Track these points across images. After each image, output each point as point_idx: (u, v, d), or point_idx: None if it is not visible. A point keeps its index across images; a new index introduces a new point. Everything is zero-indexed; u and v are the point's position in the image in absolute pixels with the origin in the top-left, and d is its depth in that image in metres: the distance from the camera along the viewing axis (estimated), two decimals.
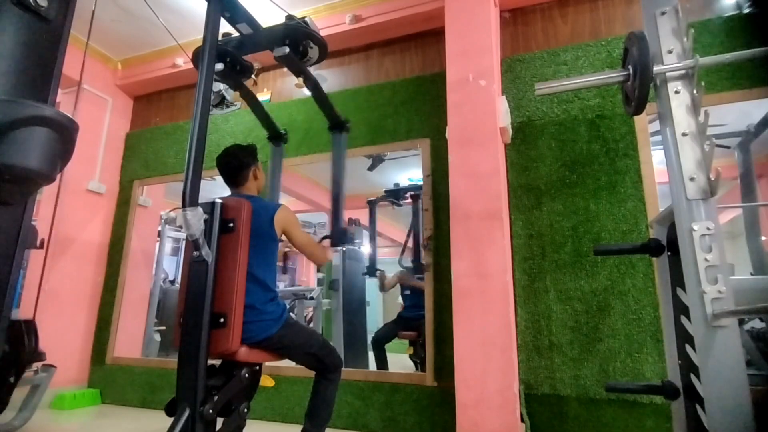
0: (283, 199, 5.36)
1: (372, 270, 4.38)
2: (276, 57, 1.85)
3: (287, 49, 1.81)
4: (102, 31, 3.46)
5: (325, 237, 2.16)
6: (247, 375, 1.63)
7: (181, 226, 1.43)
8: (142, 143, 3.92)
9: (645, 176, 2.37)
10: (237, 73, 2.05)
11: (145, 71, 3.83)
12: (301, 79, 2.06)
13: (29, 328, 1.56)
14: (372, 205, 4.74)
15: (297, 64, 1.93)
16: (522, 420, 2.15)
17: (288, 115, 3.35)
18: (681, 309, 1.16)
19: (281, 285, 6.76)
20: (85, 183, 3.63)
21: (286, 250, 7.05)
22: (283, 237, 1.86)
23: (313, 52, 1.94)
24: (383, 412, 2.59)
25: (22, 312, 3.09)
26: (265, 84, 3.59)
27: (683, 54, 1.11)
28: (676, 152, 1.06)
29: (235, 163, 1.88)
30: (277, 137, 2.42)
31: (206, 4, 1.63)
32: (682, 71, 1.10)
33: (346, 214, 5.34)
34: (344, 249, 4.32)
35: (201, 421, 1.40)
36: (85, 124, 2.91)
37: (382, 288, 4.20)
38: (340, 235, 2.14)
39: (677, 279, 1.15)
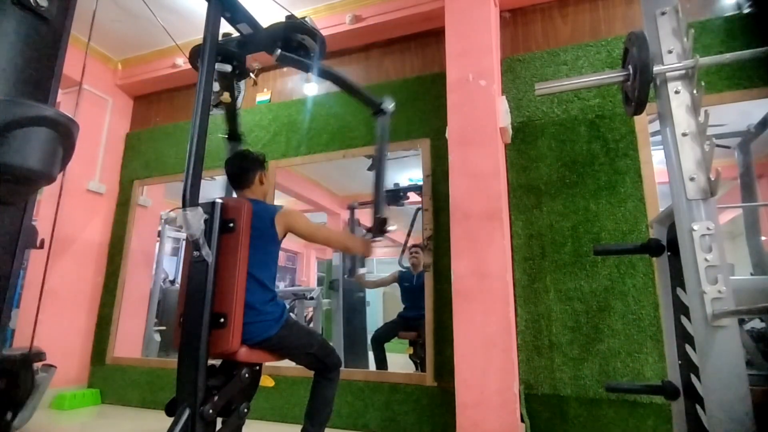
0: (283, 199, 5.37)
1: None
2: (276, 60, 1.84)
3: (279, 51, 1.80)
4: (102, 31, 3.46)
5: (369, 230, 2.09)
6: (247, 375, 1.63)
7: (181, 226, 1.43)
8: (142, 143, 3.92)
9: (645, 176, 2.37)
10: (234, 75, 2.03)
11: (145, 71, 3.83)
12: (310, 75, 2.00)
13: (26, 363, 1.51)
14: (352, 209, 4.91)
15: (298, 61, 1.92)
16: (522, 420, 2.15)
17: (288, 115, 3.35)
18: (681, 309, 1.16)
19: (281, 285, 6.75)
20: (85, 183, 3.63)
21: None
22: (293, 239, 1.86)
23: (309, 42, 1.90)
24: (383, 412, 2.59)
25: (22, 312, 3.10)
26: (265, 84, 3.59)
27: (683, 54, 1.11)
28: (676, 152, 1.06)
29: (244, 166, 1.91)
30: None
31: (206, 4, 1.63)
32: (682, 71, 1.10)
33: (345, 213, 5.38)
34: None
35: (201, 421, 1.40)
36: (85, 124, 2.91)
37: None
38: (380, 224, 2.05)
39: (677, 279, 1.15)
